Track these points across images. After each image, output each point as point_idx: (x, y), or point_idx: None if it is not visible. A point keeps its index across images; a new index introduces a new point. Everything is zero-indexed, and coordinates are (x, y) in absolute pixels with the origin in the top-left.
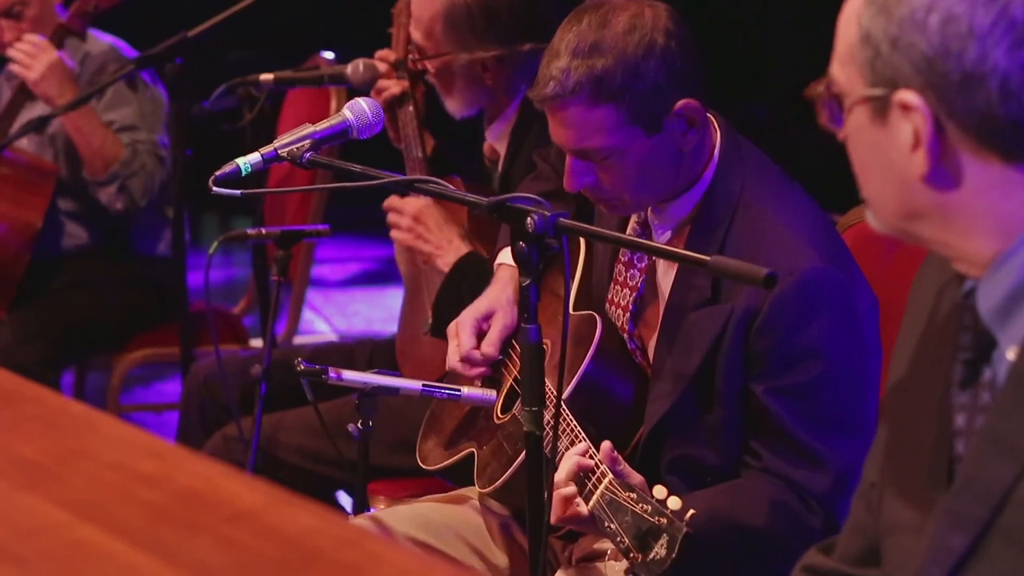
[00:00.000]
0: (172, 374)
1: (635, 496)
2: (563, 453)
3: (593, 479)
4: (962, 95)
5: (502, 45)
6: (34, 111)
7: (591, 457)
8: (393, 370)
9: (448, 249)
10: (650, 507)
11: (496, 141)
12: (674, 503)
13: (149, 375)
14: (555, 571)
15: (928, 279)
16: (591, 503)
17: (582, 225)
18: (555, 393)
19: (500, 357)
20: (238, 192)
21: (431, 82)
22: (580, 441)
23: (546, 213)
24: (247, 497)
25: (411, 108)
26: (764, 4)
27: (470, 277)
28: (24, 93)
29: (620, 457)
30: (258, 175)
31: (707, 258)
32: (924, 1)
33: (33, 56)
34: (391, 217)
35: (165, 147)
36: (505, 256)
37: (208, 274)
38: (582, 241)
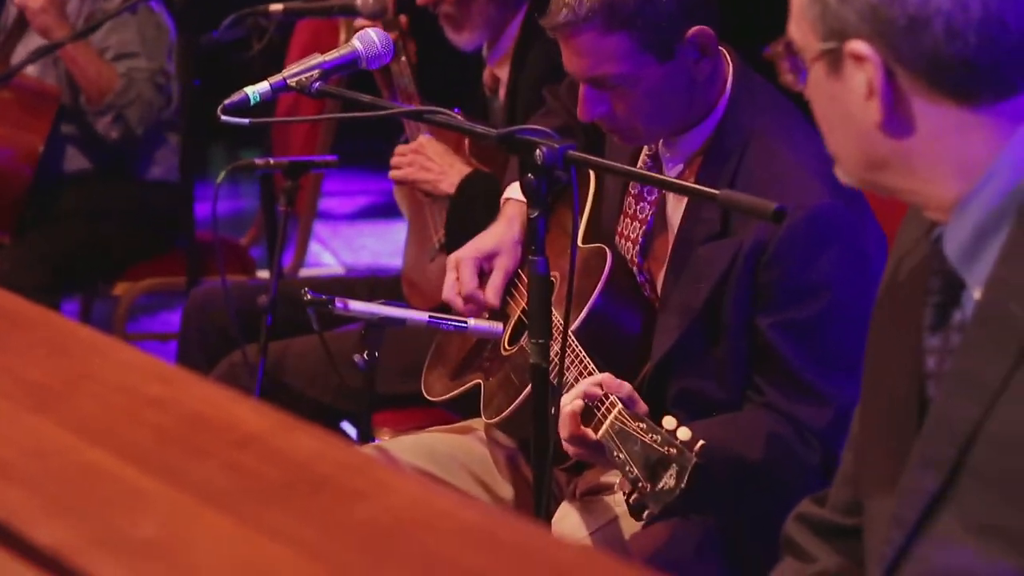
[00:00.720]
0: (177, 304)
1: (644, 426)
2: (571, 385)
3: (603, 408)
4: (909, 39)
5: None
6: (33, 37)
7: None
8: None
9: (451, 172)
10: (660, 437)
11: (497, 66)
12: (684, 434)
13: (154, 304)
14: (559, 504)
15: (908, 230)
16: (600, 432)
17: (591, 158)
18: (563, 325)
19: (505, 301)
20: (246, 121)
21: (445, 12)
22: (588, 372)
23: (555, 145)
24: (253, 421)
25: (403, 59)
26: None
27: (478, 194)
28: (22, 23)
29: (630, 387)
30: (266, 105)
31: (716, 192)
32: None
33: None
34: (394, 160)
35: (168, 75)
36: (512, 191)
37: (216, 204)
38: (591, 175)
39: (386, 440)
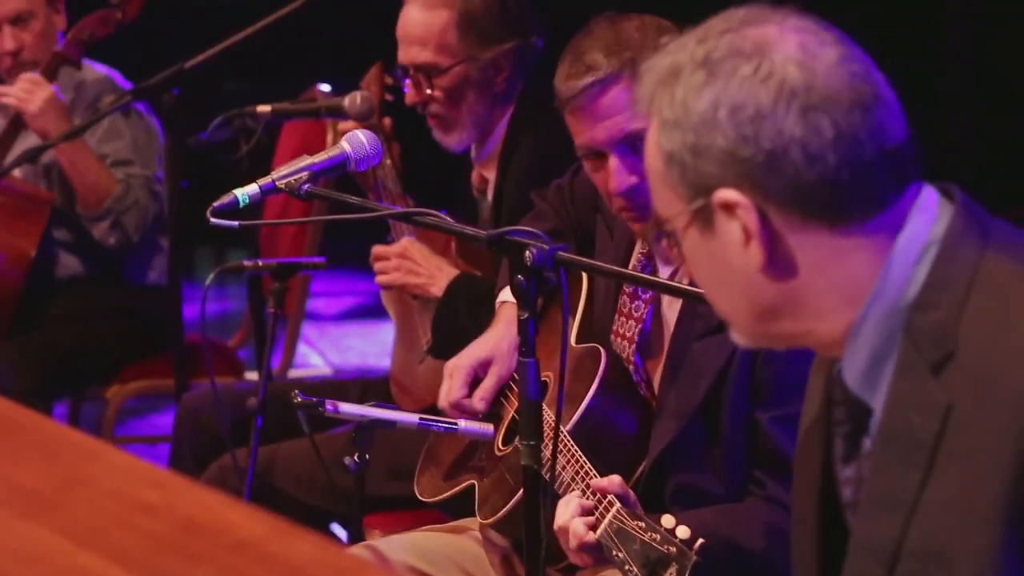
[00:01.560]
0: (166, 406)
1: (643, 525)
2: (569, 484)
3: (600, 508)
4: (771, 174)
5: (515, 36)
6: (28, 141)
7: (593, 495)
8: (387, 403)
9: (439, 276)
10: (659, 536)
11: (485, 167)
12: (683, 532)
13: (143, 407)
14: None
15: (817, 367)
16: (599, 531)
17: (581, 259)
18: (555, 429)
19: (488, 408)
20: (236, 224)
21: (434, 112)
22: (583, 470)
23: (544, 246)
24: (247, 527)
25: (388, 161)
26: None
27: (465, 296)
28: (17, 125)
29: (620, 479)
30: (254, 207)
31: (703, 290)
32: (708, 102)
33: (30, 91)
34: (378, 265)
35: (160, 181)
36: (507, 294)
37: (204, 306)
38: (584, 276)
39: (377, 539)
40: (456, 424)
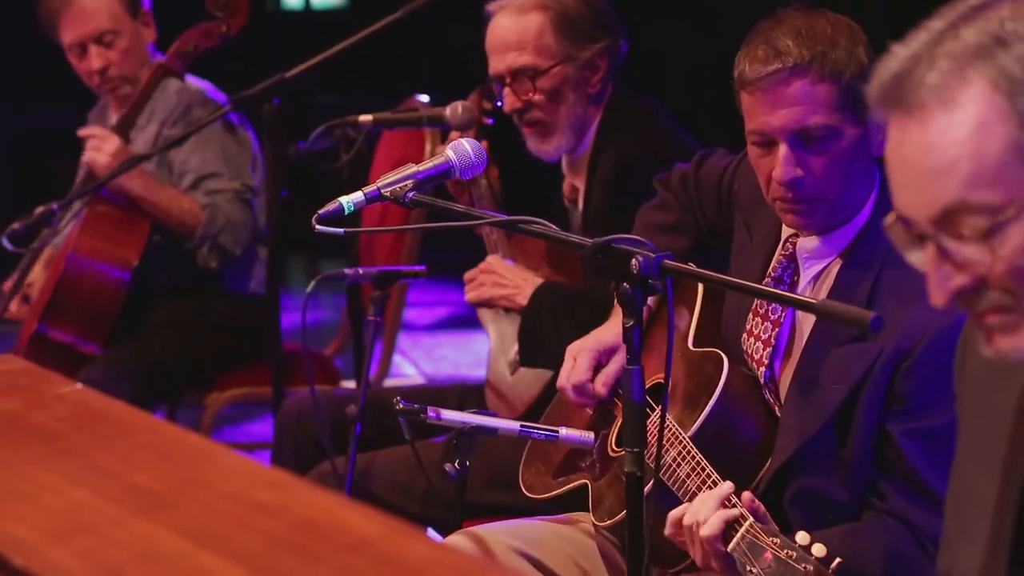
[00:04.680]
0: (260, 414)
1: (779, 541)
2: (693, 492)
3: (732, 521)
4: None
5: (607, 35)
6: (136, 148)
7: (733, 505)
8: (487, 410)
9: (525, 286)
10: (795, 553)
11: (575, 175)
12: (819, 550)
13: (237, 415)
14: None
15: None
16: (731, 544)
17: (686, 267)
18: (679, 429)
19: (609, 397)
20: (341, 231)
21: (535, 118)
22: (710, 479)
23: (651, 255)
24: (365, 527)
25: (484, 181)
26: None
27: (550, 302)
28: (120, 133)
29: (764, 508)
30: (352, 217)
31: (814, 301)
32: None
33: (97, 148)
34: (468, 285)
35: (253, 190)
36: None
37: (306, 314)
38: (699, 289)
39: (491, 525)
40: (557, 432)
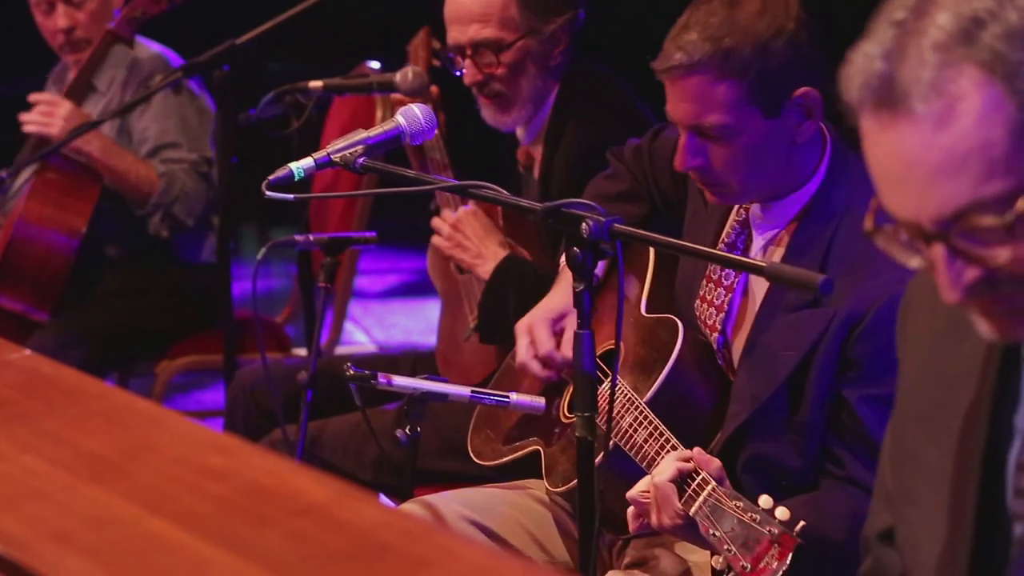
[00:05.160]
0: (212, 382)
1: (741, 505)
2: (653, 457)
3: (693, 485)
4: None
5: (569, 6)
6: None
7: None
8: (438, 376)
9: (487, 257)
10: (759, 516)
11: (531, 145)
12: (782, 513)
13: (189, 383)
14: (606, 570)
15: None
16: (693, 508)
17: (637, 231)
18: (635, 395)
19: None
20: (291, 197)
21: (495, 91)
22: (669, 443)
23: (601, 219)
24: (315, 491)
25: (436, 132)
26: None
27: (512, 281)
28: (81, 94)
29: (720, 464)
30: (302, 183)
31: (763, 264)
32: None
33: (49, 114)
34: (435, 223)
35: (211, 162)
36: None
37: (256, 282)
38: (651, 254)
39: (443, 494)
40: (508, 397)
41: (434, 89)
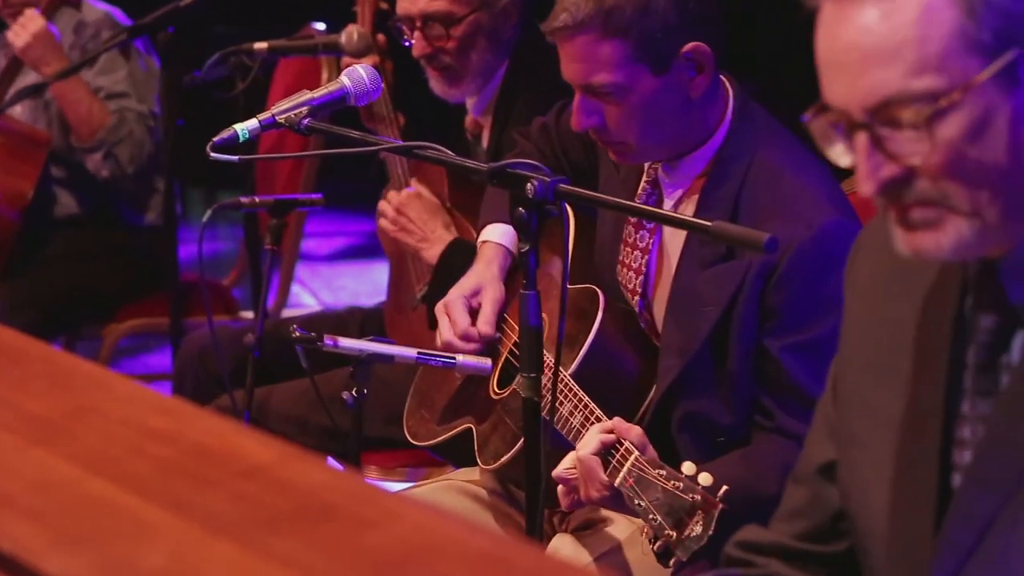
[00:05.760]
0: (158, 346)
1: (664, 473)
2: (578, 430)
3: (617, 455)
4: None
5: None
6: (27, 79)
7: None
8: (384, 338)
9: (433, 240)
10: (682, 484)
11: (481, 115)
12: (705, 479)
13: (136, 346)
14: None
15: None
16: (618, 479)
17: (582, 191)
18: (554, 364)
19: (497, 335)
20: (235, 158)
21: (445, 64)
22: (593, 415)
23: (546, 179)
24: (259, 452)
25: (383, 111)
26: None
27: (459, 264)
28: (17, 62)
29: (641, 430)
30: (248, 145)
31: (709, 224)
32: None
33: (22, 26)
34: (380, 206)
35: (157, 117)
36: (488, 233)
37: (202, 244)
38: (570, 215)
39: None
40: (454, 359)
41: (380, 37)
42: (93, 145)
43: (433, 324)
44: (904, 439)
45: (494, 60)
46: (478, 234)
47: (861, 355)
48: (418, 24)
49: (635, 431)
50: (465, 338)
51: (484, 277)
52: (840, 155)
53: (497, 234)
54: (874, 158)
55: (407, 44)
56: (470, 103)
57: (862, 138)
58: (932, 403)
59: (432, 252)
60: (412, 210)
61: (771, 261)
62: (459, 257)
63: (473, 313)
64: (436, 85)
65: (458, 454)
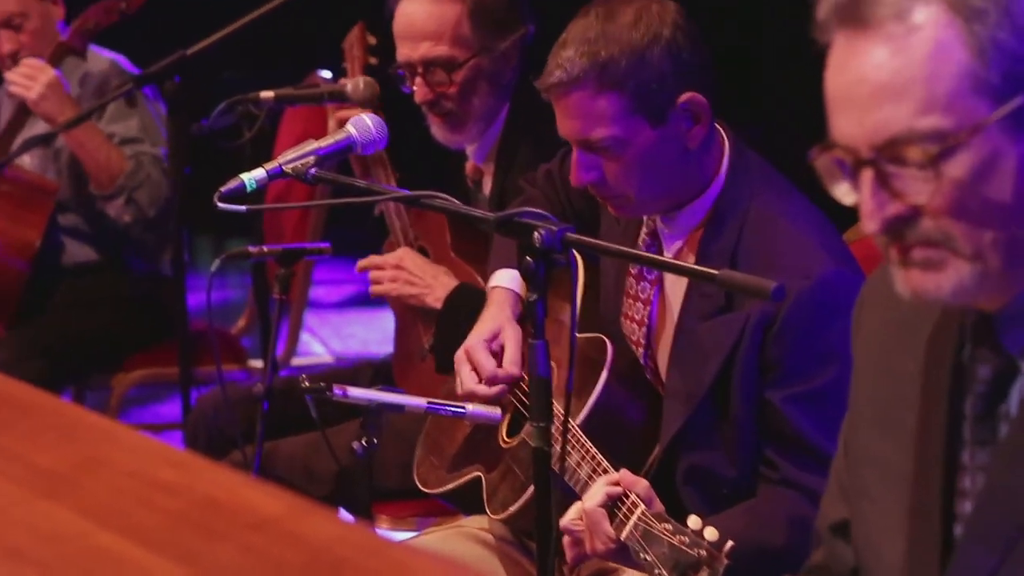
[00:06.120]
0: (168, 395)
1: (671, 527)
2: (584, 481)
3: (624, 508)
4: None
5: (521, 24)
6: (35, 129)
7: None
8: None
9: (436, 285)
10: (687, 538)
11: (483, 162)
12: (711, 534)
13: (145, 396)
14: None
15: (911, 325)
16: (624, 533)
17: (590, 240)
18: (563, 416)
19: (522, 375)
20: (243, 208)
21: (447, 110)
22: (600, 466)
23: (553, 228)
24: (268, 505)
25: (384, 157)
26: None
27: (466, 308)
28: (25, 111)
29: (647, 483)
30: (256, 194)
31: (715, 272)
32: None
33: (31, 77)
34: (372, 274)
35: (165, 161)
36: (497, 278)
37: (211, 293)
38: (580, 264)
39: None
40: (464, 408)
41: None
42: (114, 192)
43: (442, 370)
44: (912, 493)
45: (495, 104)
46: (487, 280)
47: (869, 410)
48: (420, 70)
49: (642, 484)
50: (492, 381)
51: (501, 320)
52: (844, 194)
53: (507, 279)
54: (879, 196)
55: (407, 91)
56: (471, 150)
57: (868, 175)
58: (934, 454)
59: (436, 296)
60: (409, 262)
61: (770, 312)
62: (464, 301)
63: (495, 356)
64: (438, 132)
65: (468, 502)
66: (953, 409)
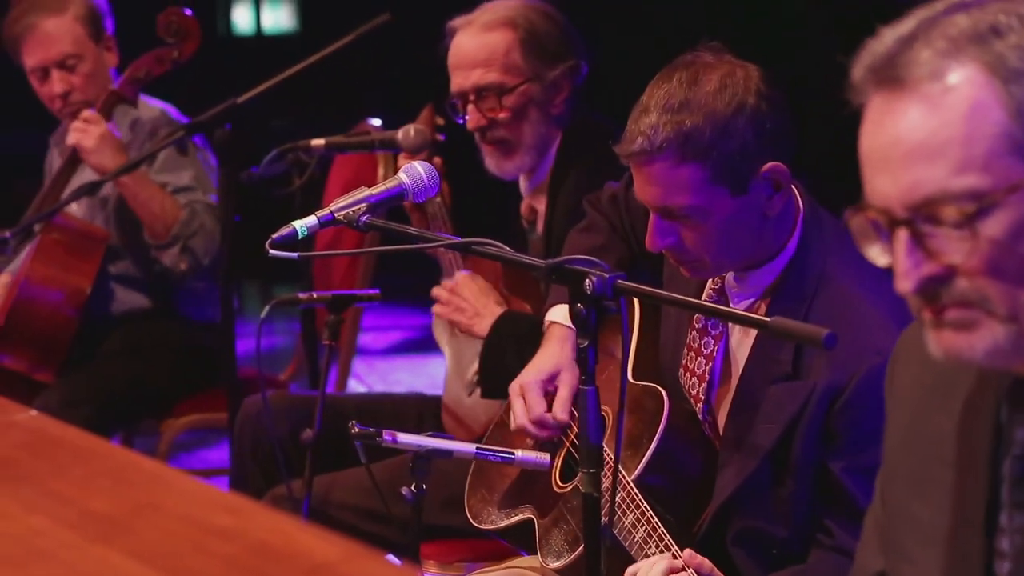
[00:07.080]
0: (217, 441)
1: None
2: (640, 545)
3: None
4: None
5: (571, 55)
6: (84, 177)
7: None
8: (442, 431)
9: (485, 314)
10: None
11: (534, 197)
12: None
13: (193, 441)
14: None
15: (947, 388)
16: None
17: (641, 287)
18: (623, 474)
19: (570, 422)
20: (295, 255)
21: (498, 137)
22: (655, 532)
23: (604, 275)
24: (323, 551)
25: (438, 199)
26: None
27: (511, 335)
28: (75, 161)
29: (711, 564)
30: (305, 241)
31: (768, 320)
32: None
33: (84, 129)
34: (434, 291)
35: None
36: (554, 314)
37: (260, 339)
38: (636, 305)
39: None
40: (513, 454)
41: (438, 160)
42: (169, 241)
43: (488, 395)
44: (951, 553)
45: (547, 133)
46: (543, 315)
47: (905, 468)
48: (471, 97)
49: (706, 564)
50: (540, 424)
51: (562, 361)
52: (878, 255)
53: (564, 315)
54: (914, 255)
55: (460, 121)
56: (523, 184)
57: (903, 235)
58: (973, 516)
59: (483, 325)
60: (466, 289)
61: (837, 384)
62: (509, 328)
63: (548, 397)
64: (491, 161)
65: (519, 540)
66: (992, 471)
